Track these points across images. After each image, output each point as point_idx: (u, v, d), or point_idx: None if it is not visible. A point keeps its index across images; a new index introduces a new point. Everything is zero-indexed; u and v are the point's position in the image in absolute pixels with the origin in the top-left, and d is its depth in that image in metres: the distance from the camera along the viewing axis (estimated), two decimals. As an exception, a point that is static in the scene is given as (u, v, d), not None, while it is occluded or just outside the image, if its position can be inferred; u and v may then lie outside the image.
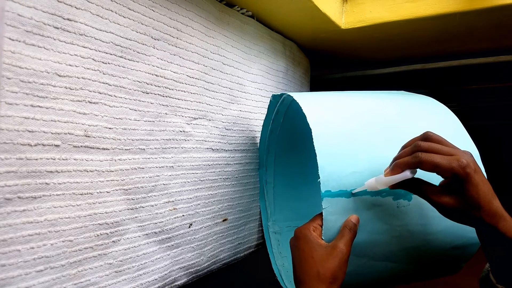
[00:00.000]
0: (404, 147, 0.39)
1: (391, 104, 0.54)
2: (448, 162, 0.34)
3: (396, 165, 0.37)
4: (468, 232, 0.47)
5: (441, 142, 0.37)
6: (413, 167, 0.36)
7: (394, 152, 0.46)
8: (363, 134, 0.47)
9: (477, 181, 0.34)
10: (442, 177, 0.36)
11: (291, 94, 0.52)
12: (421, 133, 0.39)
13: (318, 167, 0.42)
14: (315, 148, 0.43)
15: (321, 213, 0.42)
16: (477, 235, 0.39)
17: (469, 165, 0.34)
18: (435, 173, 0.36)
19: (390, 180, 0.37)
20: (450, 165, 0.34)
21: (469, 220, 0.36)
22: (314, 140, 0.43)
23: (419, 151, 0.36)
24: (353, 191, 0.43)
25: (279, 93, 0.59)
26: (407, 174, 0.36)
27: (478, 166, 0.35)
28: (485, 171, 0.44)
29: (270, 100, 0.61)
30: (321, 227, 0.42)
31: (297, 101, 0.49)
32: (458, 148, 0.36)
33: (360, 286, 0.47)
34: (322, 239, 0.41)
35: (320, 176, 0.41)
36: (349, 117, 0.49)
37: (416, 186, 0.38)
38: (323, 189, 0.41)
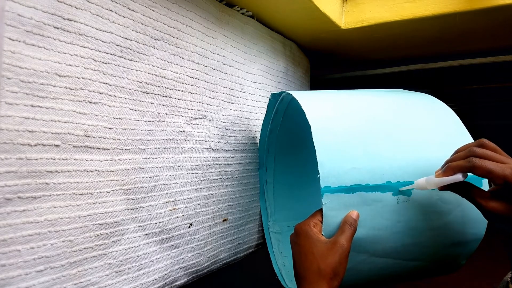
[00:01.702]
0: (457, 151, 0.40)
1: (391, 102, 0.54)
2: (501, 170, 0.34)
3: (449, 168, 0.37)
4: (468, 229, 0.47)
5: (495, 150, 0.37)
6: (465, 171, 0.37)
7: (393, 148, 0.46)
8: (363, 130, 0.47)
9: None
10: (494, 184, 0.37)
11: (290, 92, 0.52)
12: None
13: (317, 163, 0.42)
14: (314, 144, 0.43)
15: (321, 209, 0.42)
16: (509, 242, 0.39)
17: None
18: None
19: (441, 181, 0.38)
20: (504, 173, 0.34)
21: None
22: (313, 136, 0.43)
23: (473, 156, 0.36)
24: (401, 189, 0.43)
25: (278, 92, 0.59)
26: (459, 177, 0.37)
27: None
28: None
29: (269, 99, 0.61)
30: (321, 222, 0.42)
31: (296, 98, 0.49)
32: (511, 158, 0.37)
33: (361, 282, 0.47)
34: (322, 234, 0.42)
35: (319, 171, 0.41)
36: (348, 113, 0.49)
37: (466, 190, 0.38)
38: (322, 184, 0.41)
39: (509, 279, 0.41)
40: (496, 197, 0.36)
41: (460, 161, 0.37)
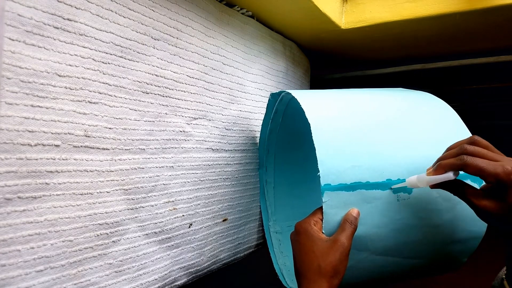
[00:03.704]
0: (449, 148, 0.40)
1: (390, 99, 0.54)
2: (493, 168, 0.34)
3: (440, 166, 0.37)
4: (469, 226, 0.47)
5: (487, 147, 0.37)
6: (457, 169, 0.36)
7: (393, 146, 0.46)
8: (362, 128, 0.47)
9: None
10: (486, 182, 0.36)
11: (290, 91, 0.52)
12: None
13: (317, 161, 0.42)
14: (314, 142, 0.43)
15: (322, 207, 0.42)
16: (506, 240, 0.39)
17: None
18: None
19: (432, 180, 0.38)
20: (495, 171, 0.34)
21: (508, 225, 0.36)
22: (313, 135, 0.43)
23: (465, 154, 0.36)
24: (393, 186, 0.43)
25: (277, 92, 0.59)
26: (450, 175, 0.36)
27: None
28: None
29: (269, 99, 0.61)
30: (322, 221, 0.42)
31: (296, 97, 0.49)
32: (504, 155, 0.36)
33: (362, 281, 0.47)
34: (322, 233, 0.42)
35: (319, 169, 0.41)
36: (348, 112, 0.49)
37: (458, 188, 0.38)
38: (322, 182, 0.41)
39: (504, 276, 0.41)
40: (488, 195, 0.36)
41: (451, 159, 0.37)
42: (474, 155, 0.35)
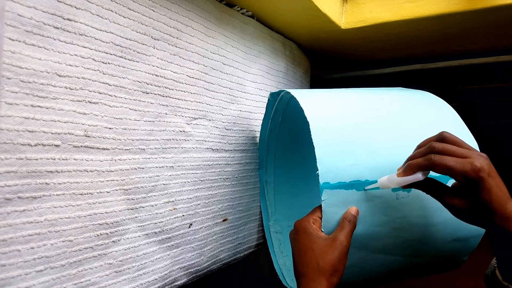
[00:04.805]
0: (418, 147, 0.39)
1: (389, 98, 0.54)
2: (461, 166, 0.33)
3: (409, 167, 0.37)
4: (469, 224, 0.47)
5: (456, 143, 0.36)
6: (425, 169, 0.36)
7: (392, 144, 0.46)
8: (361, 127, 0.47)
9: (490, 185, 0.33)
10: (455, 180, 0.36)
11: (289, 90, 0.52)
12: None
13: (316, 160, 0.42)
14: (313, 141, 0.43)
15: (321, 205, 0.42)
16: (488, 233, 0.39)
17: (483, 168, 0.33)
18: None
19: (401, 181, 0.37)
20: (463, 169, 0.33)
21: (481, 222, 0.36)
22: (312, 133, 0.43)
23: (432, 152, 0.35)
24: (366, 188, 0.43)
25: (276, 91, 0.59)
26: (418, 176, 0.36)
27: (493, 169, 0.34)
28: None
29: (268, 99, 0.61)
30: (321, 219, 0.42)
31: (295, 96, 0.49)
32: (474, 150, 0.35)
33: (362, 279, 0.47)
34: (321, 231, 0.42)
35: (318, 168, 0.41)
36: (347, 110, 0.49)
37: (429, 187, 0.38)
38: (321, 181, 0.41)
39: (495, 264, 0.41)
40: (459, 192, 0.36)
41: (419, 159, 0.36)
42: (442, 153, 0.35)
